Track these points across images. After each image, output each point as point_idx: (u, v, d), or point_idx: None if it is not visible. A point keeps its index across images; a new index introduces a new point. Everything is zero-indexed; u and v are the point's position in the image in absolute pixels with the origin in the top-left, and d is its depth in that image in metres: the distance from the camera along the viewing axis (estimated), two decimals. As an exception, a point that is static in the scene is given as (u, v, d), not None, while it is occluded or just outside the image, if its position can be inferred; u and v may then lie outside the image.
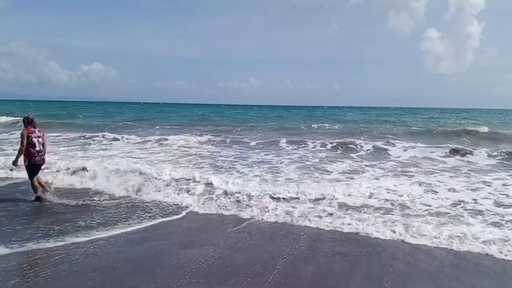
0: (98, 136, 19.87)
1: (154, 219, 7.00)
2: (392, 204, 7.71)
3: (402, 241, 5.93)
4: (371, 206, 7.54)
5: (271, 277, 4.54)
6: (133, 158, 13.14)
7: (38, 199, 8.14)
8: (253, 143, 17.67)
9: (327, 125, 28.60)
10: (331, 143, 16.71)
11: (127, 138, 19.21)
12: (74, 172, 10.43)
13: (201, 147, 16.57)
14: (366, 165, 12.05)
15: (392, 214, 7.07)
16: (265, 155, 14.27)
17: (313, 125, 28.23)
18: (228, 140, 18.61)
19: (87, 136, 19.83)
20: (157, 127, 27.36)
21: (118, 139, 19.19)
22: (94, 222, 6.67)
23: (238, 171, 10.87)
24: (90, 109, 60.98)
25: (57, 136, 19.91)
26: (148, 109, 65.05)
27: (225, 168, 11.28)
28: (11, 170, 10.10)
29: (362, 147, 15.90)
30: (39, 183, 8.28)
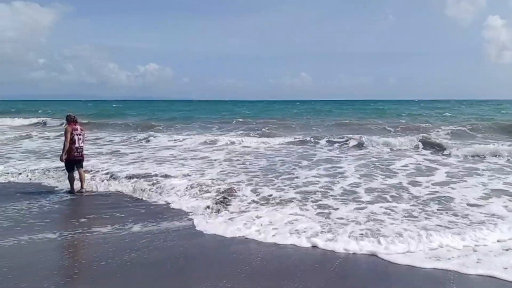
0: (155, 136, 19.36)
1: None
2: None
3: None
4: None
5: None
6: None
7: (71, 192, 8.55)
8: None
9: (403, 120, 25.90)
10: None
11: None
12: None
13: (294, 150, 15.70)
14: None
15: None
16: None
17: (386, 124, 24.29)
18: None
19: (141, 137, 19.37)
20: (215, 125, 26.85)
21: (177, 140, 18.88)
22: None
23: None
24: (147, 108, 63.11)
25: (120, 135, 20.18)
26: (207, 107, 65.82)
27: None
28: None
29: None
30: (80, 178, 8.68)
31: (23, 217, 6.63)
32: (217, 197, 7.66)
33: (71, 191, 8.53)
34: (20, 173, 10.31)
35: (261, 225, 6.12)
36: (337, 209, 6.91)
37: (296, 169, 10.67)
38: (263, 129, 22.83)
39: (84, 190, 8.61)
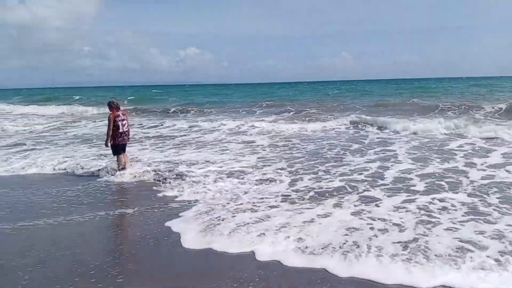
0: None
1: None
2: None
3: None
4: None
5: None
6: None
7: (118, 170, 8.81)
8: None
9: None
10: None
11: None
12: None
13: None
14: None
15: None
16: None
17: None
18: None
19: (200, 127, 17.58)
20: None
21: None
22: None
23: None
24: (186, 92, 63.68)
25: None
26: (246, 89, 64.55)
27: None
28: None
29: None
30: (125, 161, 8.92)
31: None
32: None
33: (118, 169, 8.72)
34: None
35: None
36: (380, 204, 6.00)
37: (346, 154, 10.13)
38: (308, 110, 22.11)
39: (127, 167, 8.79)
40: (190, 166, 9.14)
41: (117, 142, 8.77)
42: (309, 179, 7.66)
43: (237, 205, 6.20)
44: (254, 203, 6.27)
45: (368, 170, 8.21)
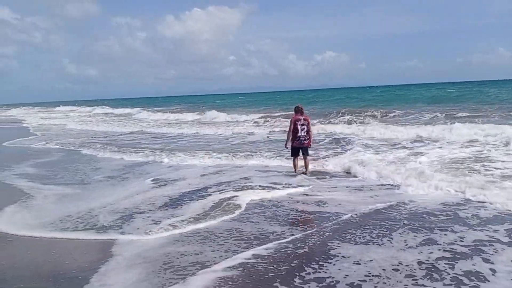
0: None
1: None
2: None
3: None
4: None
5: None
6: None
7: (294, 173, 9.52)
8: None
9: None
10: None
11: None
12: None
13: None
14: None
15: None
16: None
17: None
18: None
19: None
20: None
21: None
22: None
23: None
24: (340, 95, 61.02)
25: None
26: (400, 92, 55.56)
27: None
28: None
29: None
30: (304, 163, 9.57)
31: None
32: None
33: (294, 172, 9.48)
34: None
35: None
36: None
37: None
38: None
39: (308, 173, 9.37)
40: None
41: (294, 145, 9.41)
42: None
43: None
44: None
45: None
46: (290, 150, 9.71)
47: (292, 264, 4.48)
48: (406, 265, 4.35)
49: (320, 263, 4.50)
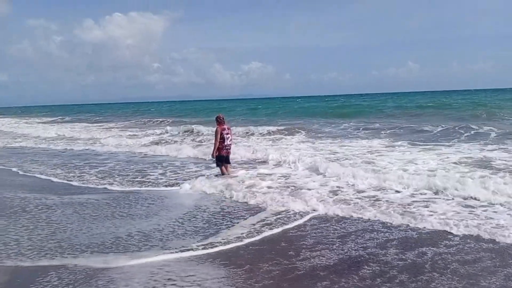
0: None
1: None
2: None
3: None
4: None
5: None
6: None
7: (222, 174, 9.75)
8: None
9: None
10: None
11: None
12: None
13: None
14: None
15: None
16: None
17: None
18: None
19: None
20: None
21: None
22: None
23: None
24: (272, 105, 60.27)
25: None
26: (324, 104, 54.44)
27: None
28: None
29: None
30: (226, 170, 9.89)
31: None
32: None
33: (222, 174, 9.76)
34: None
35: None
36: None
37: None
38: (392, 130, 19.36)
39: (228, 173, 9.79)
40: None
41: (221, 154, 9.70)
42: None
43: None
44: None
45: None
46: (217, 159, 9.89)
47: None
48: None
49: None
